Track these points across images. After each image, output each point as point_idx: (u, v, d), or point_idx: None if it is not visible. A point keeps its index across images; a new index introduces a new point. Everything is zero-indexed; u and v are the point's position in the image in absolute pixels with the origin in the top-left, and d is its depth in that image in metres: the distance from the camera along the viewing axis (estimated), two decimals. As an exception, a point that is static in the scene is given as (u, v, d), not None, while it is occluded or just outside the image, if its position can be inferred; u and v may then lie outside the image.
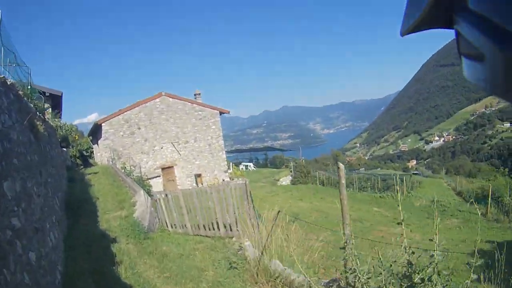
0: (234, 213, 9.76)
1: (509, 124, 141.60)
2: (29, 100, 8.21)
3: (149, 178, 21.61)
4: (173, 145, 27.10)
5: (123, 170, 19.41)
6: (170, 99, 27.57)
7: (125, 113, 25.33)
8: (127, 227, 9.61)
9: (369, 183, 31.92)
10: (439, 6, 0.53)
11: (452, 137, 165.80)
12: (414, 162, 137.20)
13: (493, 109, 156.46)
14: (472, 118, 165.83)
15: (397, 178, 29.56)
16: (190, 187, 27.33)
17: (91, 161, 32.66)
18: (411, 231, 8.76)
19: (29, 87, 9.98)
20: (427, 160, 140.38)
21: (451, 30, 0.57)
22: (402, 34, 0.67)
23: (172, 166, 26.97)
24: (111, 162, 22.76)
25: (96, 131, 27.89)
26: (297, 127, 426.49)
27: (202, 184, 27.99)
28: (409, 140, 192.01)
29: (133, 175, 19.54)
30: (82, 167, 26.22)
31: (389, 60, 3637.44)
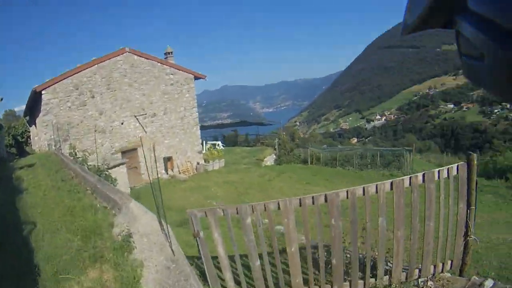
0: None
1: (452, 105, 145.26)
2: None
3: (109, 168, 14.92)
4: (137, 119, 20.36)
5: (72, 158, 12.82)
6: (136, 56, 20.55)
7: (74, 75, 17.96)
8: None
9: (368, 160, 27.47)
10: (439, 6, 0.54)
11: (394, 116, 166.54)
12: (355, 140, 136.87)
13: (437, 90, 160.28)
14: (415, 98, 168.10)
15: (389, 154, 27.88)
16: (159, 176, 21.15)
17: (27, 148, 25.71)
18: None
19: None
20: (368, 138, 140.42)
21: (451, 30, 0.56)
22: (403, 34, 0.67)
23: (136, 148, 20.14)
24: (53, 147, 15.91)
25: (34, 105, 20.30)
26: (237, 106, 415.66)
27: (172, 170, 21.67)
28: (350, 118, 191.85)
29: (88, 165, 12.99)
30: (17, 157, 19.83)
31: (332, 40, 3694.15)
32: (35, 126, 21.94)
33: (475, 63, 0.47)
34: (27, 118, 25.57)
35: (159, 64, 21.85)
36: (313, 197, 4.48)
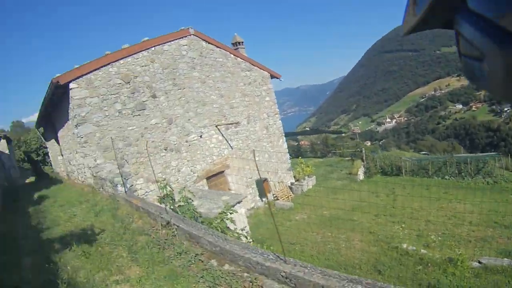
0: None
1: (461, 105, 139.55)
2: None
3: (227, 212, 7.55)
4: (219, 130, 13.31)
5: (169, 207, 5.51)
6: (204, 42, 13.55)
7: (120, 60, 10.61)
8: None
9: (462, 168, 21.64)
10: (439, 7, 0.52)
11: (404, 118, 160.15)
12: (369, 143, 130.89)
13: (443, 91, 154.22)
14: (422, 100, 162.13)
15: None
16: (253, 205, 13.62)
17: (47, 169, 19.27)
18: None
19: None
20: (382, 141, 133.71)
21: (451, 30, 0.55)
22: (404, 34, 0.66)
23: (223, 171, 13.28)
24: (108, 182, 8.96)
25: (54, 109, 12.81)
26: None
27: (267, 196, 14.33)
28: (360, 122, 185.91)
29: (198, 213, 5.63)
30: (32, 177, 16.10)
31: (331, 46, 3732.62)
32: (57, 141, 15.18)
33: (475, 63, 0.46)
34: (41, 130, 18.80)
35: (232, 55, 15.03)
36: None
